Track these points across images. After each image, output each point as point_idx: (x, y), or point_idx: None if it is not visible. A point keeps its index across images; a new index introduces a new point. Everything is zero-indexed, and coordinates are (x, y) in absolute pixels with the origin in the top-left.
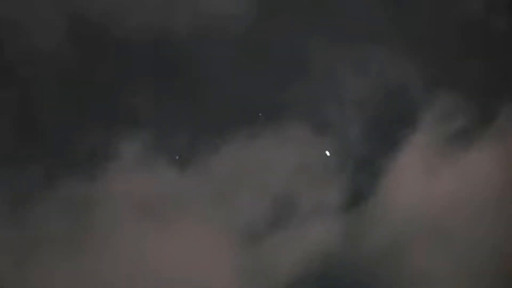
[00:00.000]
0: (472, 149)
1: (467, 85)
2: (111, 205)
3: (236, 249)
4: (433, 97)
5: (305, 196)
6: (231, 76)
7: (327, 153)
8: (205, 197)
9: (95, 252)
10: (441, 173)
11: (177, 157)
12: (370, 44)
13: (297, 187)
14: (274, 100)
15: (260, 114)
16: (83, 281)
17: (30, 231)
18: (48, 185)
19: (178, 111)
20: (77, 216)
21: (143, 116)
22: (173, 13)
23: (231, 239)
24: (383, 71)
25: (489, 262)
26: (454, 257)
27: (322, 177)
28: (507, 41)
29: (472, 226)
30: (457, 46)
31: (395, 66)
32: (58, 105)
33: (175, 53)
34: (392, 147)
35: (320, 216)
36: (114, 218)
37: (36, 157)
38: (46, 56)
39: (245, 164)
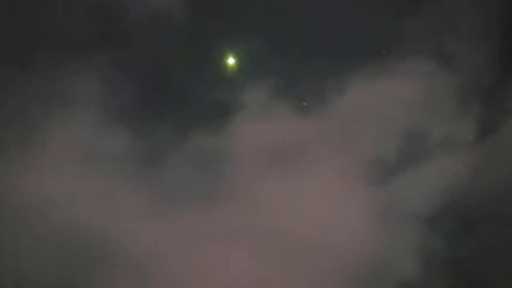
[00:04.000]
0: None
1: None
2: (240, 154)
3: (367, 186)
4: None
5: (434, 130)
6: (349, 15)
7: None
8: (333, 139)
9: (229, 203)
10: None
11: (304, 103)
12: None
13: (425, 121)
14: (395, 35)
15: (383, 53)
16: (218, 235)
17: (163, 185)
18: (179, 138)
19: (300, 57)
20: (207, 168)
21: (267, 64)
22: None
23: (362, 176)
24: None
25: None
26: None
27: (449, 110)
28: None
29: None
30: None
31: None
32: (184, 62)
33: None
34: None
35: (450, 150)
36: (244, 168)
37: (167, 112)
38: (166, 18)
39: (371, 102)
